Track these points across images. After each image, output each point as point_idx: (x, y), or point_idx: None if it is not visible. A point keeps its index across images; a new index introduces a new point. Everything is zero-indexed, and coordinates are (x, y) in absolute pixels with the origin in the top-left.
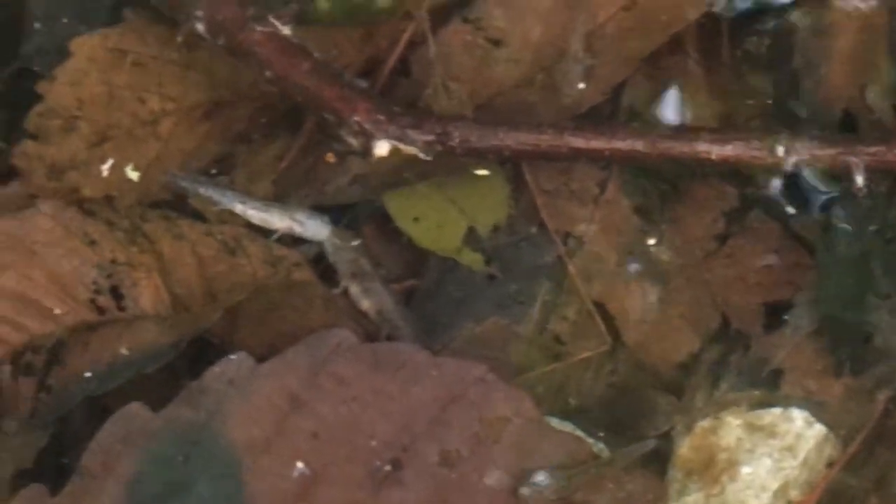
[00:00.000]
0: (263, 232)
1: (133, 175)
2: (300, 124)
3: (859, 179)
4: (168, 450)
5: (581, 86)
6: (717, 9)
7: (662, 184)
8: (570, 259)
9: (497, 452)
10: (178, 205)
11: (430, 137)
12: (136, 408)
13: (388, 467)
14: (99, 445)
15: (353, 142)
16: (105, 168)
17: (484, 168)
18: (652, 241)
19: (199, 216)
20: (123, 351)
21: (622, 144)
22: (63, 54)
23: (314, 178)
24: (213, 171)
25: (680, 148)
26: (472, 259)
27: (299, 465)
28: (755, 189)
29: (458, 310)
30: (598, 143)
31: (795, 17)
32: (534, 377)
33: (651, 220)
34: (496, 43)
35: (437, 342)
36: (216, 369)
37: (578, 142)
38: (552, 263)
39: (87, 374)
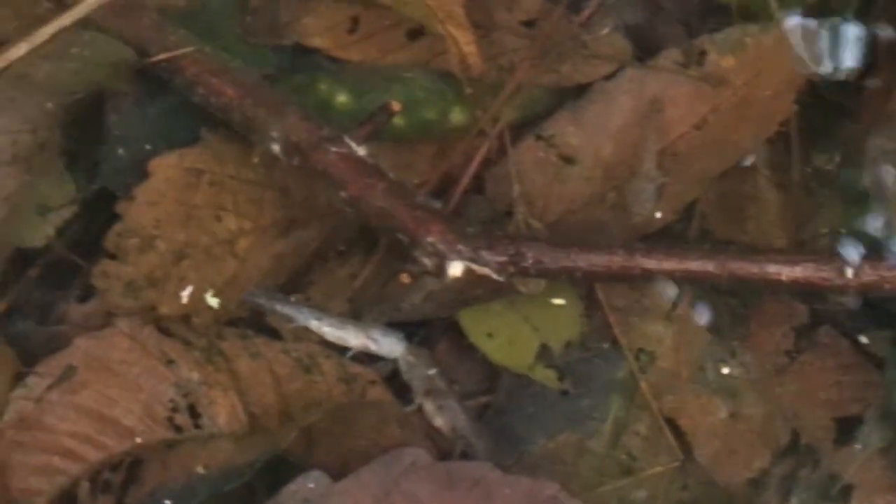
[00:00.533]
0: (338, 349)
1: (213, 302)
2: (375, 243)
3: None
4: None
5: (652, 205)
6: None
7: (732, 300)
8: (641, 374)
9: None
10: (254, 323)
11: (504, 259)
12: None
13: None
14: None
15: (427, 262)
16: (185, 295)
17: (559, 296)
18: (722, 357)
19: (274, 334)
20: (200, 469)
21: (693, 265)
22: (141, 174)
23: (388, 296)
24: (289, 290)
25: (749, 269)
26: (545, 375)
27: None
28: (825, 305)
29: (531, 425)
30: (669, 265)
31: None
32: (605, 492)
33: (722, 335)
34: (568, 160)
35: (511, 458)
36: (292, 487)
37: (650, 263)
38: (624, 379)
39: (173, 494)
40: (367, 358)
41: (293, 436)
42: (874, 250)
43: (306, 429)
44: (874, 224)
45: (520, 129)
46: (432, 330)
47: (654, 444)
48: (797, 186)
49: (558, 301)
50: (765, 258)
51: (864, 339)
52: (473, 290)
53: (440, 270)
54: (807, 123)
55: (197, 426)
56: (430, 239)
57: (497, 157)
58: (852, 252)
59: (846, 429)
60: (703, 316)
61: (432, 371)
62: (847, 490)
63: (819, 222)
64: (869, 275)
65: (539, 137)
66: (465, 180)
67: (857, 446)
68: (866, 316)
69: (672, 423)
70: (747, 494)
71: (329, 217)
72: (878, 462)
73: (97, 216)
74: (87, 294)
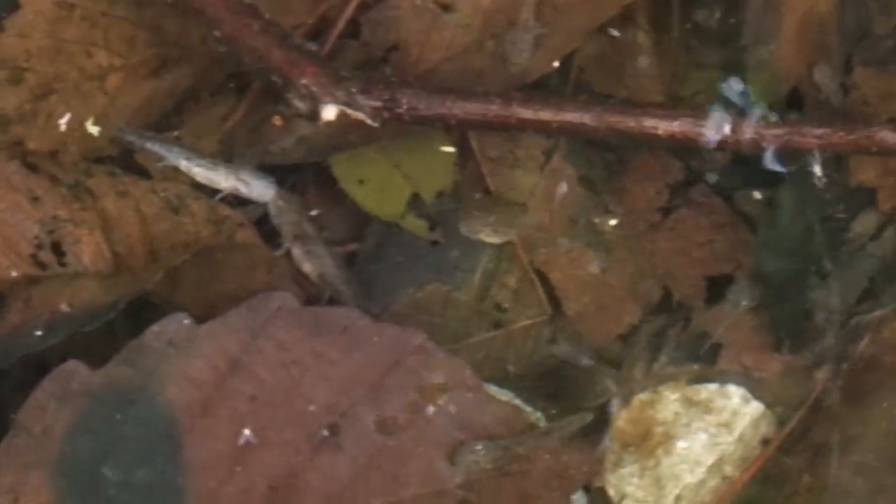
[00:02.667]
0: (207, 191)
1: (93, 130)
2: (248, 84)
3: (817, 169)
4: (105, 408)
5: (529, 55)
6: None
7: (608, 154)
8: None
9: (434, 420)
10: (123, 161)
11: (378, 104)
12: (74, 365)
13: (325, 432)
14: (36, 401)
15: (301, 105)
16: (63, 122)
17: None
18: (595, 212)
19: (144, 173)
20: (64, 307)
21: (570, 117)
22: (12, 6)
23: (260, 139)
24: (160, 130)
25: (627, 122)
26: (415, 225)
27: (237, 427)
28: (700, 163)
29: (400, 274)
30: (545, 115)
31: None
32: (473, 344)
33: (595, 190)
34: (446, 8)
35: (378, 306)
36: (156, 329)
37: (526, 113)
38: None
39: (35, 330)
40: (236, 201)
41: (159, 276)
42: (752, 108)
43: (172, 270)
44: (751, 82)
45: None
46: (303, 175)
47: (524, 297)
48: (676, 42)
49: (431, 149)
50: (642, 111)
51: (738, 199)
52: (346, 135)
53: (314, 114)
54: None
55: (61, 264)
56: (304, 81)
57: (374, 1)
58: (730, 109)
59: (717, 288)
60: (576, 169)
61: (302, 216)
62: (716, 349)
63: (697, 79)
64: (746, 132)
65: None
66: (342, 24)
67: (727, 306)
68: (740, 174)
69: (542, 277)
70: (616, 350)
71: (202, 57)
72: (747, 321)
73: None
74: None
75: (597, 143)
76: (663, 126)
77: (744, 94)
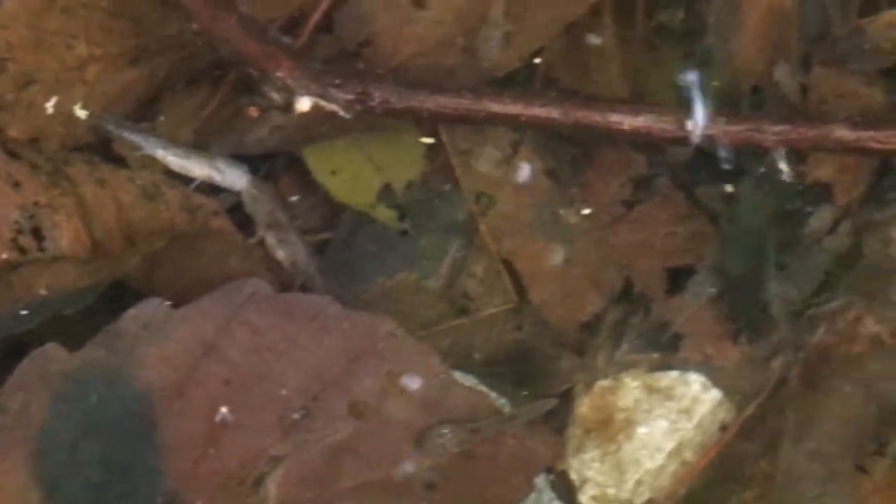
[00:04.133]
0: (183, 180)
1: (81, 114)
2: (223, 75)
3: (783, 165)
4: (83, 390)
5: (499, 51)
6: None
7: (573, 148)
8: (481, 217)
9: (403, 405)
10: (100, 150)
11: (351, 97)
12: (52, 348)
13: (297, 415)
14: (15, 383)
15: (276, 97)
16: (50, 106)
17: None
18: (561, 203)
19: (121, 162)
20: (43, 291)
21: (539, 111)
22: None
23: (234, 129)
24: (137, 120)
25: (593, 117)
26: (385, 214)
27: (211, 409)
28: (663, 157)
29: (370, 264)
30: (515, 109)
31: None
32: (440, 331)
33: (561, 182)
34: (418, 3)
35: (349, 295)
36: (132, 312)
37: (496, 107)
38: (464, 221)
39: (19, 313)
40: (210, 189)
41: (136, 261)
42: (714, 105)
43: (149, 256)
44: (713, 79)
45: None
46: (276, 164)
47: (491, 286)
48: (640, 40)
49: (402, 141)
50: (608, 107)
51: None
52: (319, 126)
53: (288, 105)
54: None
55: (41, 249)
56: (279, 74)
57: None
58: (694, 105)
59: (678, 279)
60: (543, 162)
61: (275, 205)
62: (676, 338)
63: (660, 76)
64: (709, 128)
65: None
66: (316, 17)
67: (688, 296)
68: (702, 169)
69: (509, 266)
70: (579, 338)
71: (179, 48)
72: (708, 312)
73: None
74: None
75: (563, 137)
76: (628, 121)
77: (704, 91)
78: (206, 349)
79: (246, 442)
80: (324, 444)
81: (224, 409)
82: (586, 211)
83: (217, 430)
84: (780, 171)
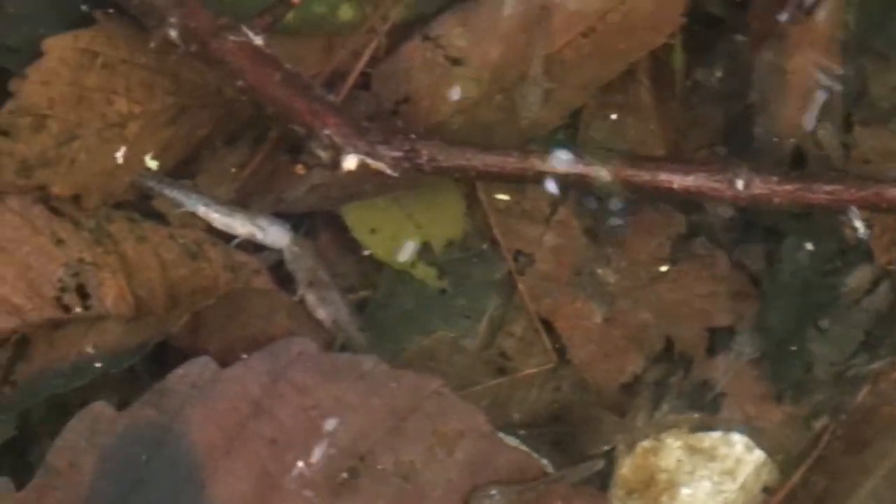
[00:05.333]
0: (224, 237)
1: (152, 164)
2: (263, 132)
3: (857, 224)
4: (131, 449)
5: (538, 109)
6: None
7: (611, 206)
8: (519, 276)
9: (450, 465)
10: (140, 207)
11: (399, 154)
12: (100, 406)
13: (345, 475)
14: (64, 442)
15: (323, 154)
16: (119, 156)
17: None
18: (599, 263)
19: (161, 219)
20: (89, 350)
21: (587, 170)
22: (36, 54)
23: (274, 187)
24: (177, 177)
25: (643, 176)
26: (425, 273)
27: (258, 469)
28: (702, 216)
29: (408, 322)
30: (562, 168)
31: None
32: (479, 391)
33: (599, 241)
34: (455, 61)
35: (387, 353)
36: (180, 372)
37: (543, 165)
38: (502, 280)
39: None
40: (251, 247)
41: (184, 320)
42: (762, 165)
43: (193, 315)
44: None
45: (409, 29)
46: (316, 222)
47: (529, 346)
48: (678, 99)
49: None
50: (657, 166)
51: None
52: (361, 185)
53: (335, 163)
54: (689, 37)
55: (85, 307)
56: (326, 132)
57: (385, 55)
58: (741, 165)
59: (718, 339)
60: (581, 221)
61: (316, 263)
62: (718, 398)
63: (698, 135)
64: (759, 188)
65: (426, 38)
66: (354, 76)
67: (730, 356)
68: (741, 229)
69: (547, 326)
70: (619, 399)
71: (219, 105)
72: (749, 372)
73: None
74: None
75: (602, 196)
76: (678, 180)
77: (745, 150)
78: (254, 408)
79: (293, 502)
80: (370, 503)
81: (271, 469)
82: (622, 271)
83: (265, 490)
84: (855, 230)
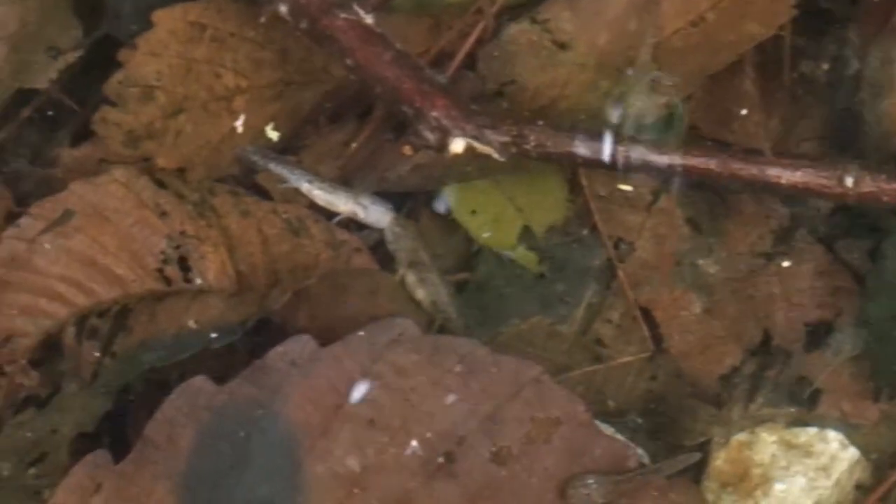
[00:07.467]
0: (326, 214)
1: (273, 135)
2: (368, 110)
3: None
4: (230, 425)
5: (646, 97)
6: None
7: (713, 197)
8: (619, 264)
9: (547, 452)
10: (244, 182)
11: (507, 139)
12: (201, 381)
13: (441, 459)
14: (164, 416)
15: (430, 136)
16: (239, 125)
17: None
18: (699, 253)
19: (265, 195)
20: (191, 324)
21: (696, 161)
22: (145, 24)
23: (377, 166)
24: (281, 153)
25: (751, 170)
26: (525, 257)
27: (356, 449)
28: (803, 208)
29: (506, 305)
30: (671, 159)
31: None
32: (574, 378)
33: (700, 232)
34: (562, 46)
35: (483, 336)
36: (280, 349)
37: (652, 155)
38: (601, 267)
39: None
40: (353, 226)
41: (287, 297)
42: (871, 162)
43: (294, 292)
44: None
45: (516, 11)
46: (417, 202)
47: (626, 334)
48: (784, 91)
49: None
50: (766, 160)
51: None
52: (464, 166)
53: (441, 146)
54: (796, 28)
55: (186, 280)
56: (434, 113)
57: (491, 36)
58: (851, 161)
59: (816, 333)
60: (683, 210)
61: (418, 243)
62: (815, 394)
63: (803, 128)
64: (868, 185)
65: (534, 21)
66: (461, 57)
67: (828, 352)
68: (842, 223)
69: (646, 314)
70: (715, 390)
71: (324, 82)
72: (847, 369)
73: (95, 62)
74: (78, 139)
75: (705, 187)
76: (786, 175)
77: (849, 145)
78: (353, 388)
79: (388, 484)
80: (466, 489)
81: (368, 450)
82: (722, 262)
83: (361, 471)
84: None
